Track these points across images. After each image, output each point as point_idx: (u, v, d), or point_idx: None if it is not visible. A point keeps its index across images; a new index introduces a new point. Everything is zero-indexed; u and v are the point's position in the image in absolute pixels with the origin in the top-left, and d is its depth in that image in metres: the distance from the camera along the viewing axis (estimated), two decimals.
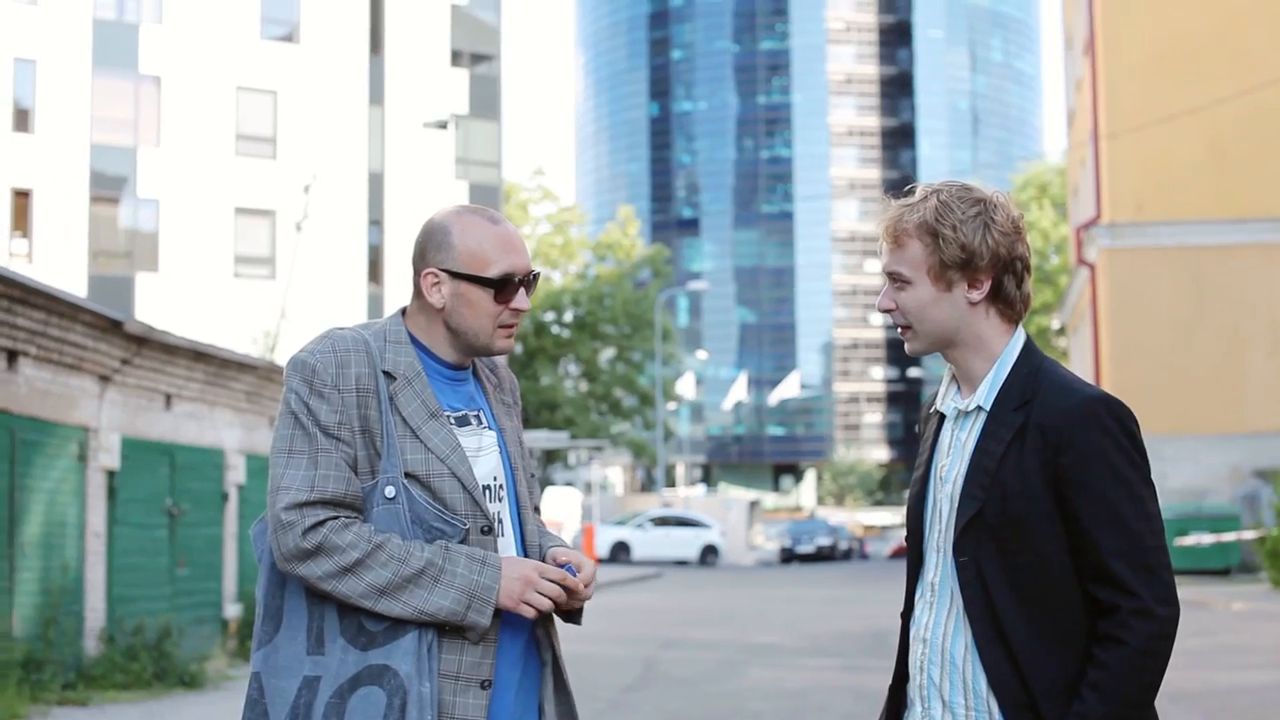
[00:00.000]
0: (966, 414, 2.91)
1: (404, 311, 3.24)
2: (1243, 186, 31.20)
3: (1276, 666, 14.24)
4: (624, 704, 12.60)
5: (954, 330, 2.89)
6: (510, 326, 3.19)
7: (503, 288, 3.13)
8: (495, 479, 3.16)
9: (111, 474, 13.81)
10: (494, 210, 3.22)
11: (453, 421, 3.13)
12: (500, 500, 3.17)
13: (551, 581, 3.06)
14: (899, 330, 2.96)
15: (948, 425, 2.96)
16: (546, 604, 3.06)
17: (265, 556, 3.09)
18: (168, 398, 15.16)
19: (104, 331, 13.25)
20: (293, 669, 2.98)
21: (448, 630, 3.00)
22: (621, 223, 67.81)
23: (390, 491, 3.01)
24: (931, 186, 2.92)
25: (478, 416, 3.19)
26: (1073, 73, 40.43)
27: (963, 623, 2.83)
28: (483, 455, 3.14)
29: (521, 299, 3.17)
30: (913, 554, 2.99)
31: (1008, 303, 2.89)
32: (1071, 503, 2.74)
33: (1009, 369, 2.87)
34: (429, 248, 3.15)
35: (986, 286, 2.86)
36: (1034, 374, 2.84)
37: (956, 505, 2.84)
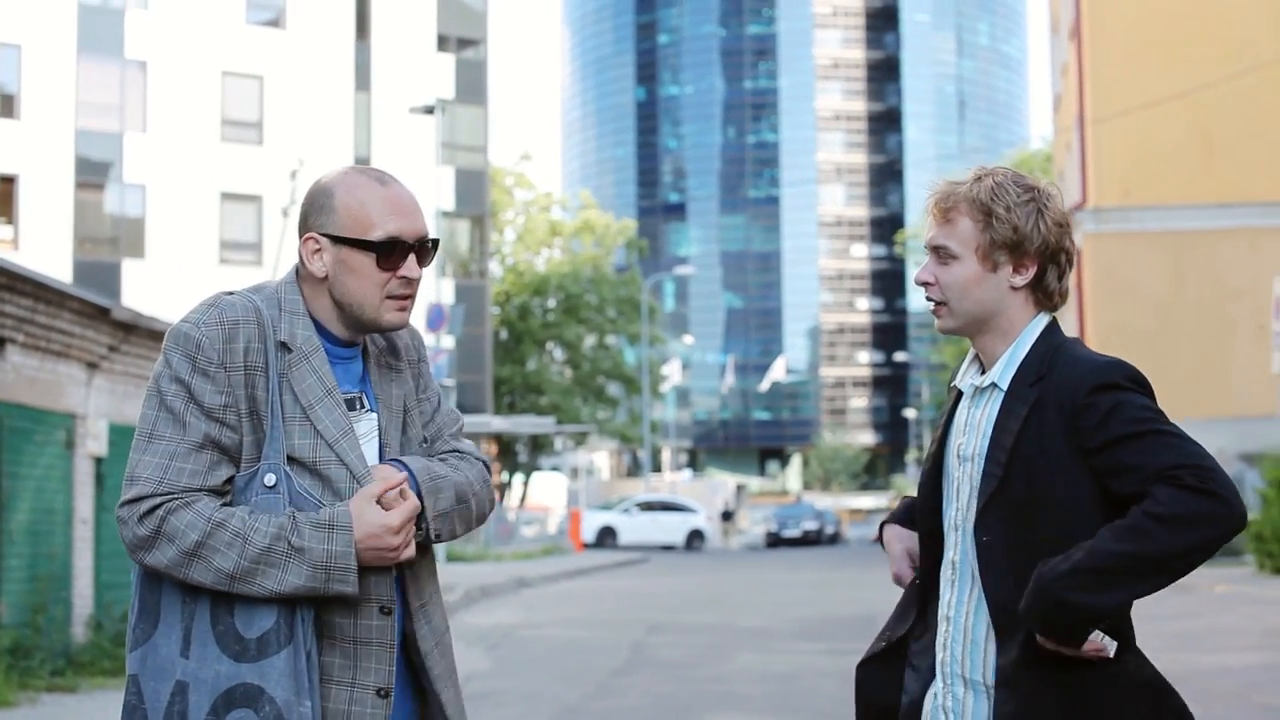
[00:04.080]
0: (982, 391, 2.91)
1: (297, 275, 2.94)
2: (1228, 171, 31.29)
3: (1260, 648, 14.31)
4: (612, 688, 12.63)
5: (991, 313, 2.89)
6: (402, 298, 2.88)
7: (388, 252, 2.83)
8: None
9: (99, 461, 13.79)
10: (385, 171, 2.92)
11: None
12: None
13: (395, 513, 2.76)
14: (932, 307, 2.95)
15: (964, 402, 2.96)
16: (411, 536, 2.79)
17: None
18: None
19: (91, 318, 13.23)
20: (166, 671, 2.72)
21: (336, 636, 2.78)
22: (583, 205, 67.72)
23: (270, 479, 2.75)
24: (985, 169, 2.92)
25: (360, 399, 2.92)
26: (1059, 57, 40.47)
27: (984, 602, 2.83)
28: (363, 443, 2.88)
29: (411, 265, 2.86)
30: (924, 529, 2.99)
31: (1046, 293, 2.90)
32: (1106, 454, 2.72)
33: (1027, 348, 2.87)
34: (311, 211, 2.86)
35: (1031, 272, 2.87)
36: (1052, 352, 2.85)
37: (978, 484, 2.83)
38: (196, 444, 2.73)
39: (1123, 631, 2.77)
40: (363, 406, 2.91)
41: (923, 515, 2.99)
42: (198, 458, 2.73)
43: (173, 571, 2.70)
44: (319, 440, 2.79)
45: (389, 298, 2.86)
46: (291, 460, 2.78)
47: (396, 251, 2.84)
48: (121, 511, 2.72)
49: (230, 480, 2.78)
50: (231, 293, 2.87)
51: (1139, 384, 2.80)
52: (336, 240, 2.83)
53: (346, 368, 2.92)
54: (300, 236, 2.89)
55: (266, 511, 2.73)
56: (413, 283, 2.89)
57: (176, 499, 2.70)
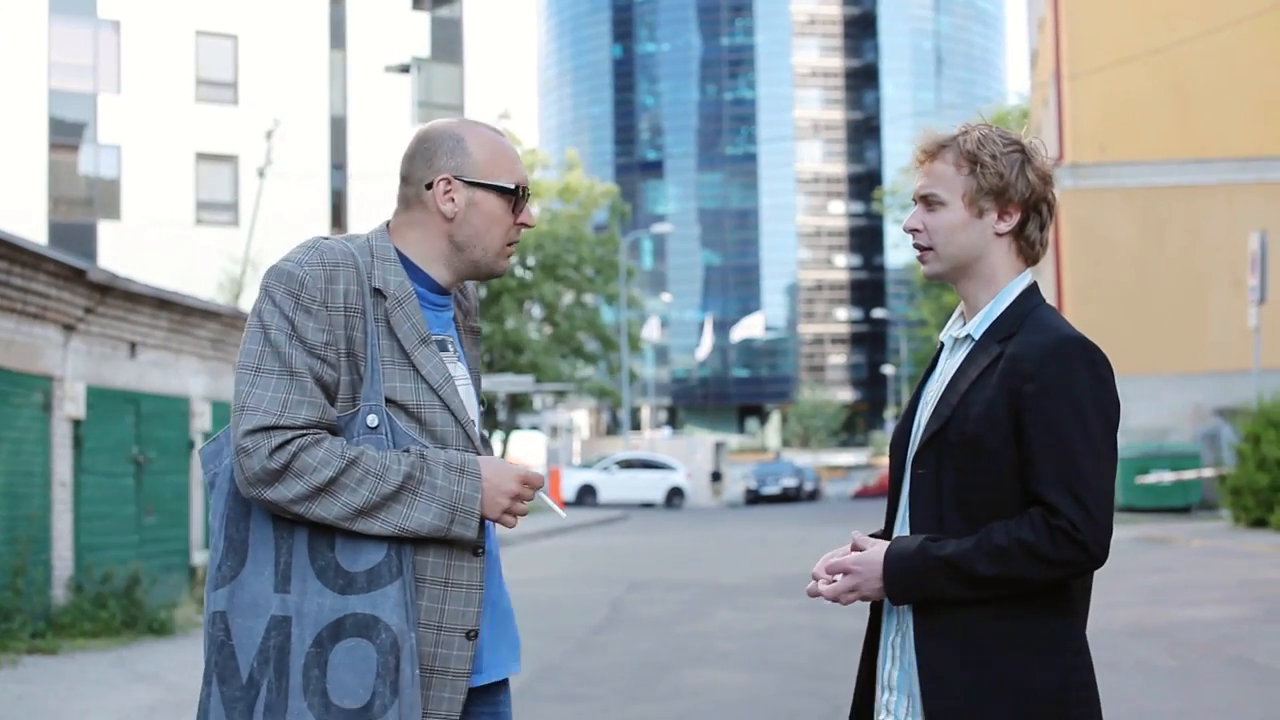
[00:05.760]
0: (960, 342, 3.02)
1: (387, 226, 3.02)
2: (1205, 126, 31.33)
3: (1235, 601, 14.42)
4: (592, 645, 12.69)
5: (974, 258, 2.98)
6: (513, 245, 3.04)
7: (519, 198, 3.00)
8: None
9: (77, 423, 13.77)
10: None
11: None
12: None
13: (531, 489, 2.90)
14: (918, 253, 3.05)
15: (944, 353, 3.07)
16: (524, 510, 2.92)
17: (223, 483, 2.86)
18: (132, 346, 15.11)
19: (67, 280, 13.18)
20: (259, 607, 2.77)
21: (426, 577, 2.82)
22: (568, 164, 67.40)
23: (373, 420, 2.81)
24: (969, 124, 3.04)
25: (449, 343, 3.01)
26: (1035, 12, 40.41)
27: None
28: (458, 387, 2.96)
29: (528, 214, 3.04)
30: (894, 474, 3.08)
31: (1028, 243, 3.00)
32: (1026, 431, 2.80)
33: (1006, 305, 2.97)
34: (439, 154, 2.96)
35: (1015, 220, 2.97)
36: (1027, 313, 2.94)
37: (924, 423, 2.95)
38: (306, 380, 2.78)
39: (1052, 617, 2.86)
40: (453, 352, 3.01)
41: (893, 457, 3.08)
42: (313, 393, 2.78)
43: (292, 507, 2.75)
44: (422, 384, 2.87)
45: (507, 243, 3.01)
46: (390, 403, 2.85)
47: (521, 199, 3.01)
48: (246, 441, 2.73)
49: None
50: (327, 238, 2.94)
51: (1097, 370, 2.85)
52: (472, 184, 2.96)
53: (438, 314, 3.00)
54: (417, 180, 2.98)
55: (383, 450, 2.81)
56: (524, 229, 3.05)
57: (308, 434, 2.76)
